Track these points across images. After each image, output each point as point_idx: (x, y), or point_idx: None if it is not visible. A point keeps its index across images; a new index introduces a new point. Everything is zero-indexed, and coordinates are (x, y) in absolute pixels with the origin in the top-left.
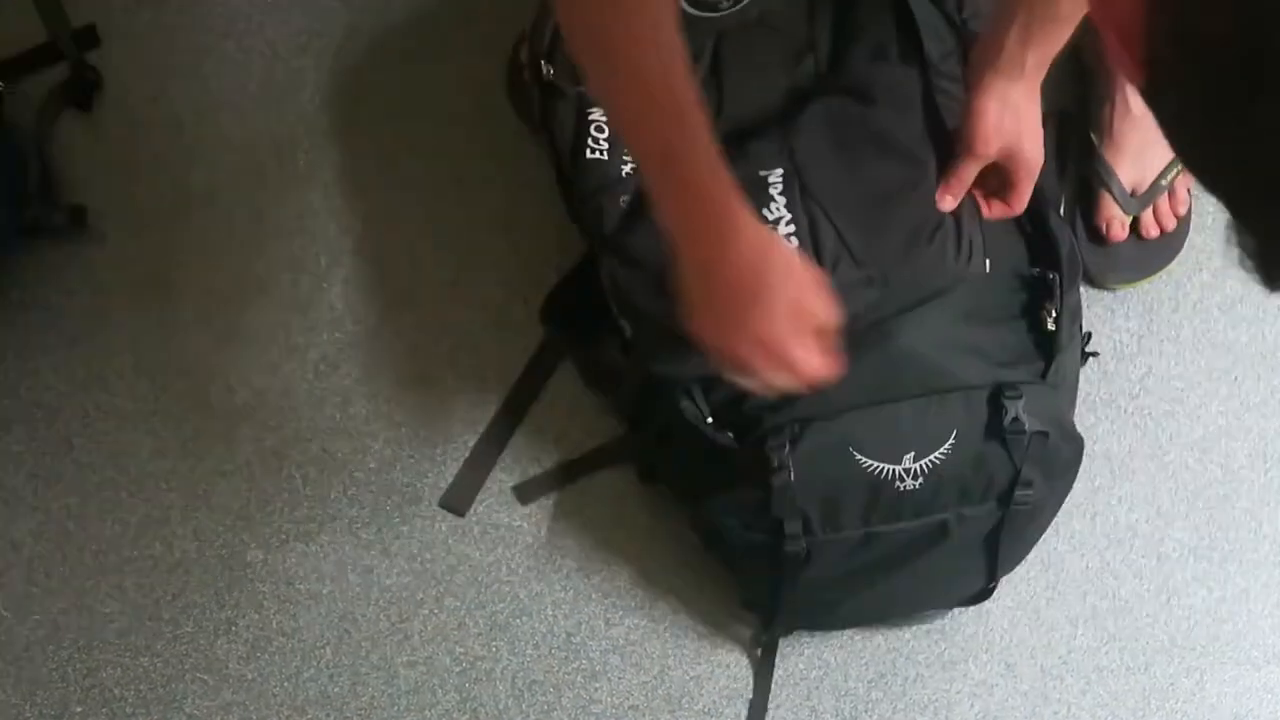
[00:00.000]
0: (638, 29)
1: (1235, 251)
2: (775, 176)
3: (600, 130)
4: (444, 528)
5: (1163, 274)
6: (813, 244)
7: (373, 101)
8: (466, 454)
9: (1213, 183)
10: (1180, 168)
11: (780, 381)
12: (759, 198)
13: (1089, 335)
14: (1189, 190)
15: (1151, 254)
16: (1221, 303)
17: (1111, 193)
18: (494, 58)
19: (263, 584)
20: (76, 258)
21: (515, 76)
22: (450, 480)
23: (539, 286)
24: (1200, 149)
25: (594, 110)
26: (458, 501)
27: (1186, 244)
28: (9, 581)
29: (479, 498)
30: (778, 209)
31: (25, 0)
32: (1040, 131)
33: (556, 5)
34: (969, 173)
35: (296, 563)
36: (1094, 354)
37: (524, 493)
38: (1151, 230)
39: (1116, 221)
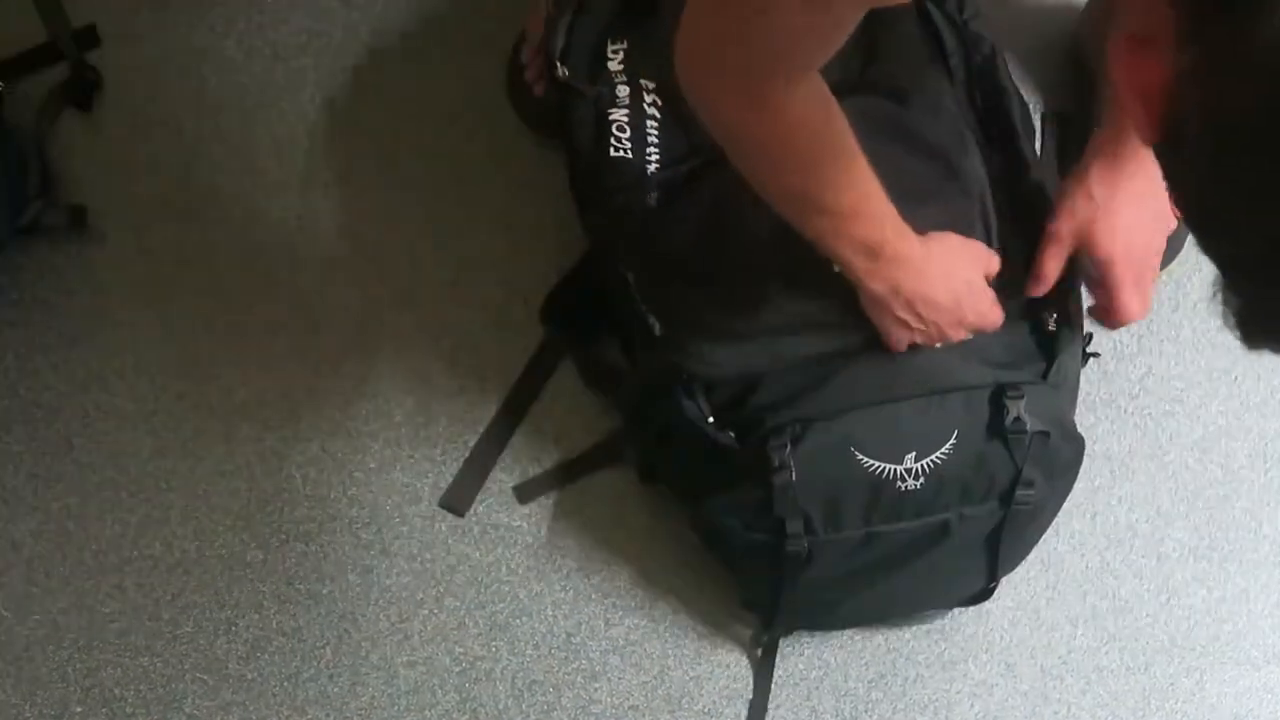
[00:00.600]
0: (796, 136)
1: (1220, 308)
2: None
3: (622, 130)
4: (444, 528)
5: (1163, 275)
6: None
7: (373, 101)
8: (466, 454)
9: (1207, 243)
10: None
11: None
12: None
13: (1090, 336)
14: None
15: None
16: None
17: None
18: (494, 58)
19: (263, 584)
20: (76, 258)
21: (515, 76)
22: (450, 480)
23: (539, 286)
24: (1201, 210)
25: (614, 110)
26: (458, 501)
27: (1187, 244)
28: (9, 581)
29: (479, 498)
30: None
31: (25, 0)
32: (1148, 233)
33: (700, 110)
34: (1051, 261)
35: (296, 563)
36: (1095, 354)
37: (524, 492)
38: None
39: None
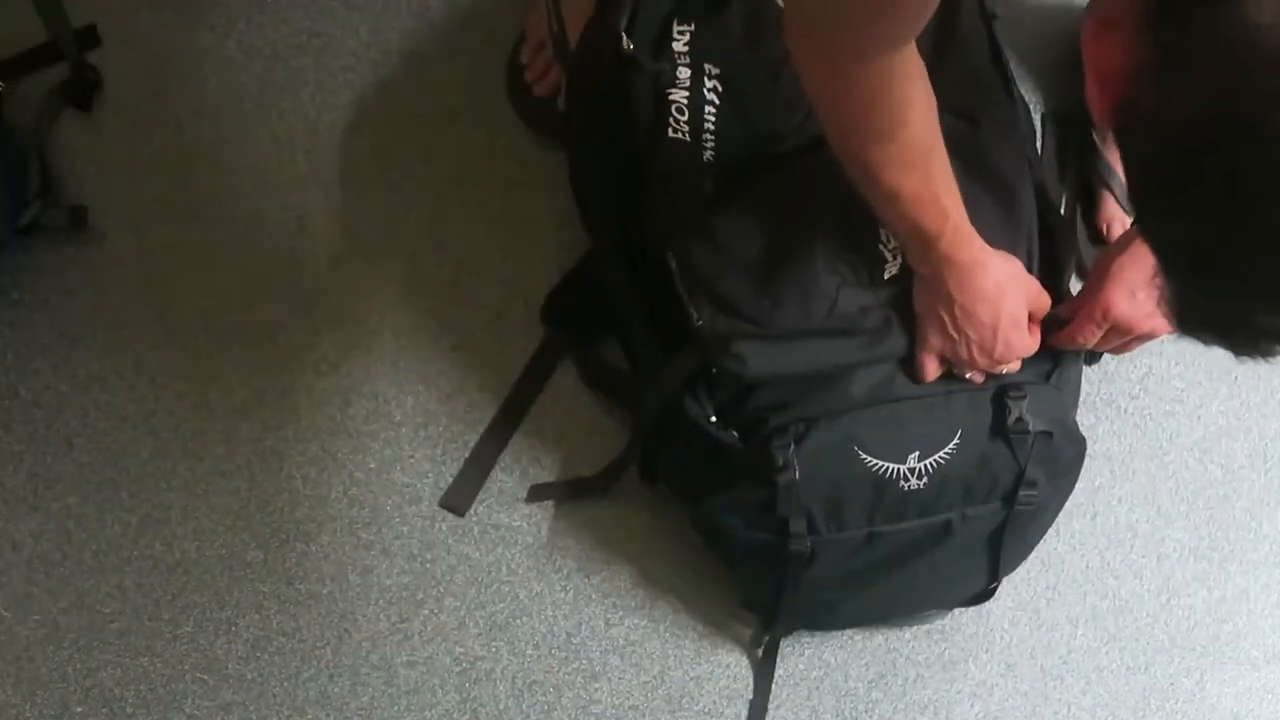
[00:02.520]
0: (912, 181)
1: (1157, 292)
2: None
3: (681, 113)
4: (444, 528)
5: None
6: None
7: (373, 101)
8: (466, 454)
9: (1146, 231)
10: None
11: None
12: None
13: None
14: None
15: None
16: None
17: (1113, 193)
18: (494, 58)
19: (263, 584)
20: (76, 258)
21: (515, 76)
22: (450, 480)
23: (539, 286)
24: (1134, 195)
25: (673, 91)
26: (458, 501)
27: None
28: (9, 581)
29: (479, 497)
30: None
31: (25, 0)
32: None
33: (799, 70)
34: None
35: (296, 563)
36: (1098, 354)
37: (534, 494)
38: None
39: (1118, 221)
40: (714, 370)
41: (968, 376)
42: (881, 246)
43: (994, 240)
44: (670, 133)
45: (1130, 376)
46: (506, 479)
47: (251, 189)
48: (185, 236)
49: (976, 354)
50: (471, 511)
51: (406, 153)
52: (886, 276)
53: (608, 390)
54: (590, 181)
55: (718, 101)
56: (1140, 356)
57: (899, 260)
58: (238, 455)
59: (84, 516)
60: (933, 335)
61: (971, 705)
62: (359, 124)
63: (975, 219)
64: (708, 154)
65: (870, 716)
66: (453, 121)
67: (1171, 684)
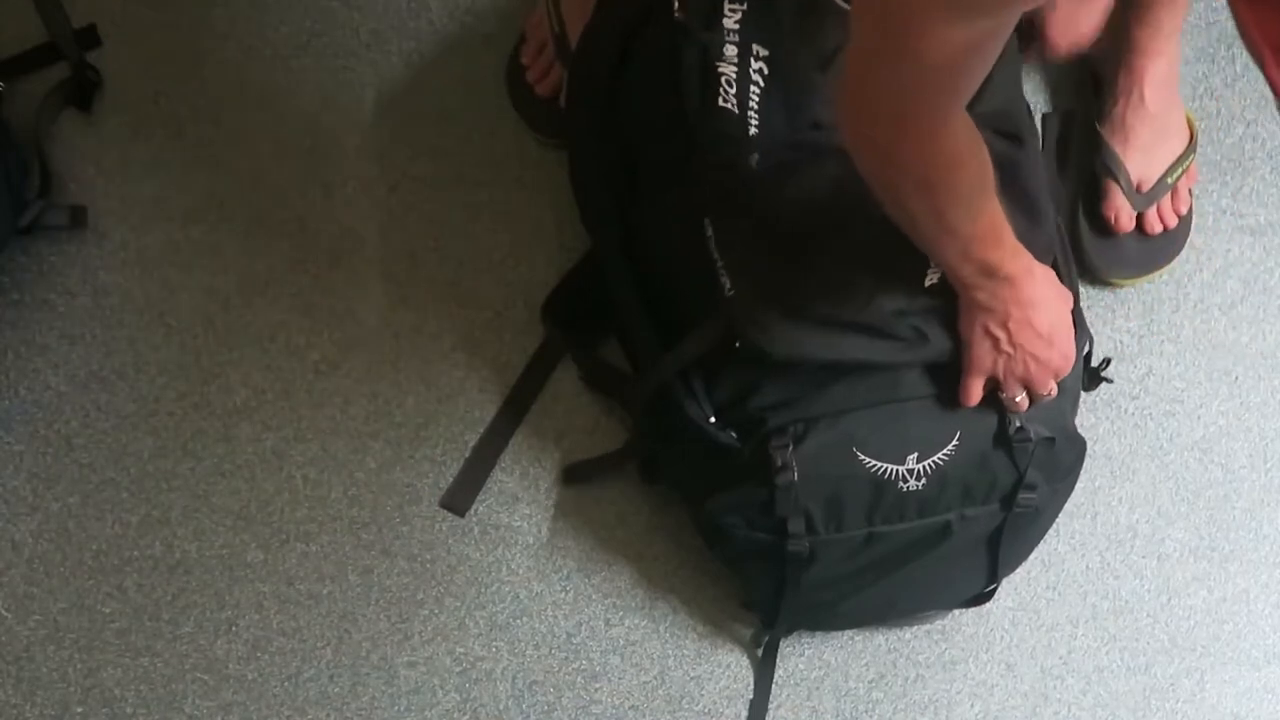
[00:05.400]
0: (950, 212)
1: None
2: None
3: (730, 85)
4: (444, 528)
5: (1163, 273)
6: None
7: (373, 101)
8: (467, 454)
9: None
10: (1184, 168)
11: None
12: None
13: (1107, 361)
14: (1190, 190)
15: (1155, 250)
16: (1221, 303)
17: (1119, 184)
18: (494, 58)
19: (263, 584)
20: (76, 258)
21: (516, 77)
22: (450, 480)
23: (539, 286)
24: None
25: (721, 64)
26: (458, 501)
27: (1187, 244)
28: (9, 581)
29: (479, 498)
30: None
31: (25, 0)
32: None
33: (857, 151)
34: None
35: (296, 563)
36: (1109, 380)
37: (573, 474)
38: (1155, 226)
39: (1124, 212)
40: (736, 344)
41: (1017, 400)
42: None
43: None
44: (720, 101)
45: (1130, 376)
46: (506, 479)
47: (251, 189)
48: (185, 236)
49: (1032, 368)
50: (471, 511)
51: (406, 153)
52: (926, 284)
53: (608, 390)
54: (591, 180)
55: (762, 83)
56: (1140, 356)
57: (941, 270)
58: (238, 455)
59: (84, 516)
60: (984, 356)
61: (971, 705)
62: (359, 124)
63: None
64: (753, 129)
65: (870, 716)
66: (453, 121)
67: (1172, 684)
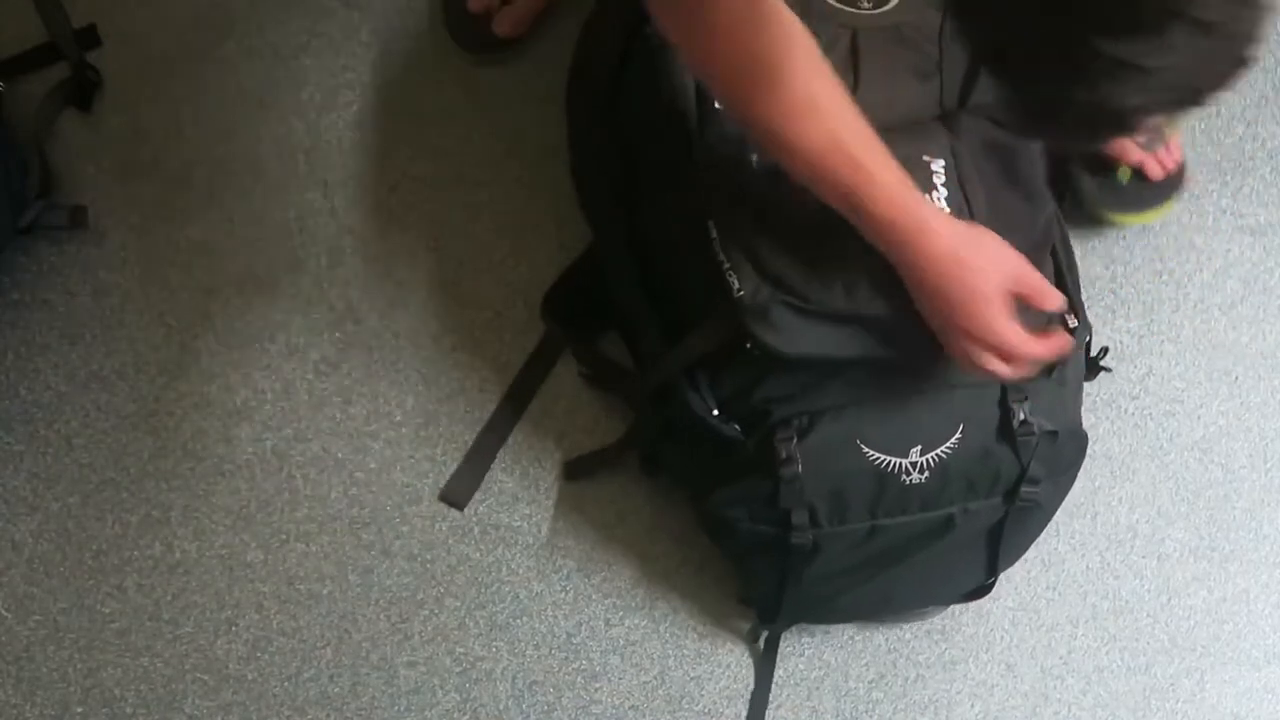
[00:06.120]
0: (811, 131)
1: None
2: (938, 166)
3: None
4: (444, 528)
5: (1163, 273)
6: None
7: (372, 101)
8: (467, 449)
9: (965, 37)
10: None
11: (1010, 372)
12: (921, 179)
13: (1105, 350)
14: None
15: (1154, 192)
16: (1221, 303)
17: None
18: (495, 56)
19: (263, 584)
20: (76, 258)
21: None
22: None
23: (539, 286)
24: (959, 15)
25: None
26: (458, 495)
27: (1188, 244)
28: (9, 581)
29: (479, 498)
30: (939, 198)
31: (25, 0)
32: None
33: (729, 107)
34: None
35: (296, 563)
36: (1107, 369)
37: (573, 469)
38: (1157, 172)
39: (1131, 146)
40: (747, 345)
41: (991, 370)
42: None
43: (1023, 245)
44: (717, 103)
45: (1130, 376)
46: (506, 479)
47: (251, 189)
48: (185, 236)
49: (970, 347)
50: (472, 511)
51: (406, 153)
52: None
53: (608, 386)
54: (591, 173)
55: None
56: (1140, 356)
57: None
58: (238, 455)
59: (84, 516)
60: (936, 333)
61: (971, 705)
62: (359, 124)
63: (1008, 225)
64: None
65: (870, 716)
66: (453, 121)
67: (1172, 684)
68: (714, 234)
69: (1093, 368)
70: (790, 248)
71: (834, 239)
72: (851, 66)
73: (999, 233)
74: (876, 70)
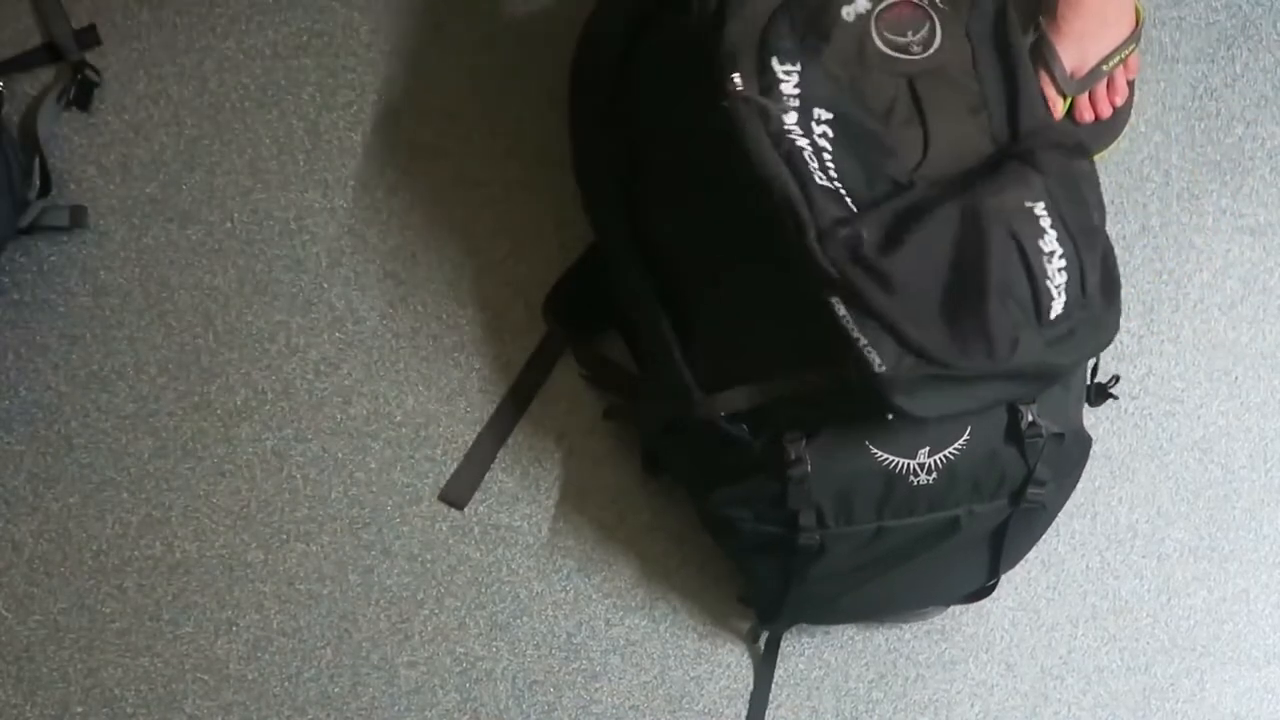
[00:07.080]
0: None
1: None
2: (1040, 209)
3: (811, 159)
4: (444, 528)
5: (1163, 273)
6: (1079, 277)
7: (372, 101)
8: (467, 448)
9: None
10: (1122, 57)
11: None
12: (1030, 228)
13: (1116, 378)
14: (1130, 83)
15: (1085, 137)
16: (1221, 303)
17: (1052, 74)
18: (494, 57)
19: (263, 584)
20: (76, 258)
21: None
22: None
23: (539, 286)
24: None
25: (792, 133)
26: (458, 494)
27: (1188, 244)
28: (9, 581)
29: (479, 498)
30: (1050, 239)
31: (25, 0)
32: None
33: None
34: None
35: (297, 563)
36: (1114, 396)
37: (610, 412)
38: (1086, 114)
39: (1053, 104)
40: (889, 416)
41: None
42: (1047, 283)
43: (1094, 260)
44: (818, 179)
45: (1130, 376)
46: (506, 479)
47: (251, 189)
48: (185, 236)
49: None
50: (472, 511)
51: (406, 152)
52: (1052, 316)
53: (609, 386)
54: (596, 171)
55: (830, 147)
56: (1140, 356)
57: (1063, 297)
58: (238, 455)
59: (84, 516)
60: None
61: (971, 705)
62: (359, 124)
63: (1088, 245)
64: (849, 201)
65: (870, 716)
66: (453, 121)
67: (1172, 684)
68: (841, 310)
69: (1101, 393)
70: (926, 315)
71: (962, 301)
72: (918, 114)
73: (1084, 258)
74: (939, 115)
